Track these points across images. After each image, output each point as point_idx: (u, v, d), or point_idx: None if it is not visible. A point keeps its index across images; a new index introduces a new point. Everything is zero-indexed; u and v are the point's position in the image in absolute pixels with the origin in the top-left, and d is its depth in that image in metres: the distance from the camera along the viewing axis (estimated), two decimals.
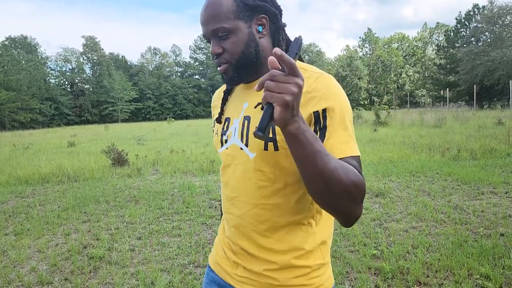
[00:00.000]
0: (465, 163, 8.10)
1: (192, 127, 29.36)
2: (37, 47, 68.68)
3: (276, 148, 1.03)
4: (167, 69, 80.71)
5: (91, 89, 72.73)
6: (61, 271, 3.73)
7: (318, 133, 0.99)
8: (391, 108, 42.43)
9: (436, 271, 3.32)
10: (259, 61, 1.10)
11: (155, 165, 10.06)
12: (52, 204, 6.33)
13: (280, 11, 1.13)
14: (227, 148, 1.16)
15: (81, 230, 4.90)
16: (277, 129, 1.01)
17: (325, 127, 0.99)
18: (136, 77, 76.42)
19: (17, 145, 17.88)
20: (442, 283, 3.11)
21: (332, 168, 0.86)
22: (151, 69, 79.65)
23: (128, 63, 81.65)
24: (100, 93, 71.14)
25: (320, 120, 0.99)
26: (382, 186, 6.35)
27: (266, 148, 1.04)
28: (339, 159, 0.94)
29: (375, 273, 3.37)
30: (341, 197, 0.88)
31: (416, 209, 5.10)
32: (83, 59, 74.04)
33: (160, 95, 75.09)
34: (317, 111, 0.99)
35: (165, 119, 56.86)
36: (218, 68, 1.11)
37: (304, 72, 1.06)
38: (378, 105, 37.68)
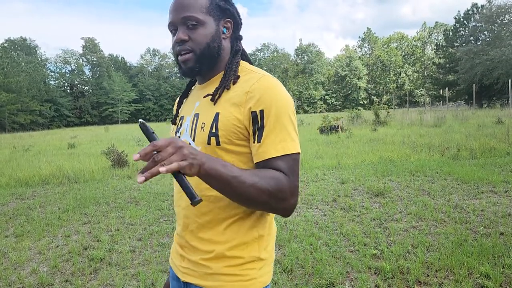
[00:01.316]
0: (465, 162, 8.10)
1: None
2: (36, 49, 68.71)
3: (218, 142, 1.09)
4: (166, 70, 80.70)
5: (90, 90, 72.81)
6: (61, 272, 3.73)
7: (257, 133, 1.07)
8: (391, 108, 42.43)
9: (436, 271, 3.32)
10: (219, 58, 1.19)
11: None
12: (52, 206, 6.34)
13: (241, 23, 1.25)
14: None
15: (81, 232, 4.90)
16: (220, 124, 1.09)
17: (262, 127, 1.06)
18: (135, 78, 76.53)
19: (17, 147, 17.89)
20: (442, 283, 3.11)
21: (247, 186, 0.98)
22: (150, 70, 79.76)
23: (128, 64, 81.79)
24: (99, 94, 71.20)
25: (258, 121, 1.07)
26: (382, 186, 6.36)
27: (209, 143, 1.10)
28: (271, 158, 1.05)
29: (375, 273, 3.37)
30: (262, 205, 1.03)
31: (416, 209, 5.11)
32: (83, 61, 74.13)
33: (159, 96, 75.15)
34: (255, 111, 1.06)
35: (165, 120, 56.93)
36: (180, 57, 1.15)
37: (249, 73, 1.15)
38: (378, 104, 37.69)
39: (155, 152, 0.87)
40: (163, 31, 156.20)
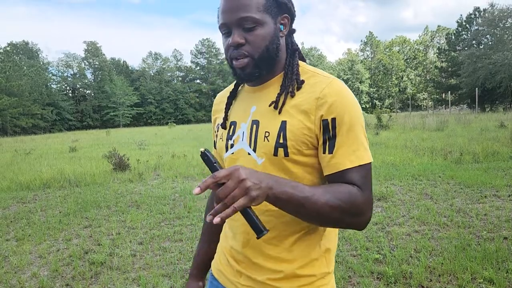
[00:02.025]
0: (468, 166, 8.07)
1: (193, 132, 29.39)
2: (38, 52, 68.96)
3: (286, 154, 1.01)
4: (168, 74, 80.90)
5: (92, 94, 73.00)
6: (62, 276, 3.72)
7: (328, 143, 0.99)
8: (393, 112, 42.41)
9: (439, 275, 3.29)
10: (277, 59, 1.08)
11: (157, 170, 10.05)
12: (53, 210, 6.32)
13: (295, 16, 1.12)
14: (233, 153, 1.12)
15: (82, 236, 4.89)
16: (288, 134, 1.00)
17: (334, 136, 0.98)
18: (137, 82, 76.65)
19: (18, 151, 17.90)
20: (445, 287, 3.09)
21: (320, 206, 0.91)
22: (152, 74, 79.88)
23: (130, 68, 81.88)
24: (101, 98, 71.35)
25: (329, 130, 0.98)
26: (384, 190, 6.32)
27: (276, 154, 1.01)
28: (344, 170, 0.97)
29: (377, 278, 3.34)
30: (335, 222, 0.96)
31: (419, 213, 5.08)
32: (85, 64, 74.28)
33: (161, 100, 75.28)
34: (326, 119, 0.98)
35: (167, 123, 57.00)
36: (236, 62, 1.04)
37: (314, 75, 1.06)
38: (380, 108, 37.66)
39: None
40: (165, 35, 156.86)
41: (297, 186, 0.91)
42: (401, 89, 78.47)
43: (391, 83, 78.60)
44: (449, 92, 42.88)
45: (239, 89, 1.22)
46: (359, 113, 1.01)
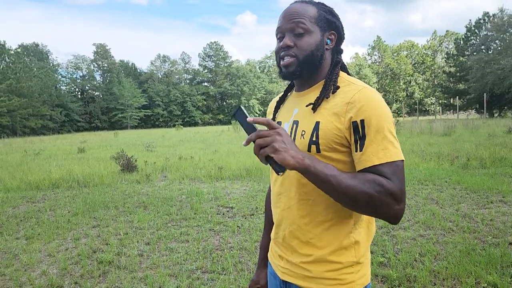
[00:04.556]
0: (474, 172, 8.05)
1: (200, 134, 29.46)
2: (48, 54, 69.51)
3: (318, 150, 1.14)
4: (176, 76, 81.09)
5: (101, 96, 73.38)
6: (71, 275, 3.78)
7: (359, 142, 1.10)
8: (400, 116, 42.24)
9: (444, 279, 3.31)
10: (320, 67, 1.24)
11: (164, 172, 10.13)
12: (62, 209, 6.41)
13: (344, 38, 1.29)
14: None
15: (90, 235, 4.96)
16: (320, 133, 1.14)
17: (364, 136, 1.09)
18: (145, 84, 76.94)
19: (28, 151, 18.08)
20: None
21: (345, 186, 1.02)
22: (160, 76, 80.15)
23: (138, 70, 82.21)
24: (110, 100, 71.71)
25: (358, 130, 1.10)
26: None
27: (309, 150, 1.15)
28: (373, 166, 1.07)
29: (382, 281, 3.37)
30: (365, 207, 1.05)
31: (424, 217, 5.09)
32: (94, 66, 74.75)
33: (169, 102, 75.49)
34: (356, 121, 1.10)
35: (174, 126, 57.11)
36: (282, 61, 1.22)
37: (349, 84, 1.19)
38: None
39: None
40: (173, 38, 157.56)
41: (328, 166, 1.04)
42: (408, 94, 78.11)
43: (398, 88, 78.24)
44: (457, 97, 42.69)
45: (288, 95, 1.41)
46: (387, 117, 1.11)
